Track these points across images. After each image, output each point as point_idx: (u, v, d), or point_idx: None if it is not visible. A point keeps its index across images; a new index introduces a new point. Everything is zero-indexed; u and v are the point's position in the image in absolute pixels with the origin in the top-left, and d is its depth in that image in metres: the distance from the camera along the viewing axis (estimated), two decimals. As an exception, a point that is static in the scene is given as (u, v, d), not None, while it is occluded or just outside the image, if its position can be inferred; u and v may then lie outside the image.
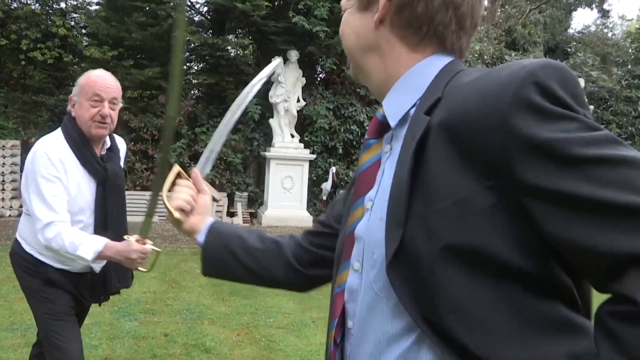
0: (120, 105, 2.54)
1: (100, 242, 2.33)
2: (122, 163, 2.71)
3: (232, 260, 1.22)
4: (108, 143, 2.60)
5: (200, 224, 1.26)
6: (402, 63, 0.94)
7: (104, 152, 2.57)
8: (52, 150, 2.39)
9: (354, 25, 0.98)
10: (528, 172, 0.71)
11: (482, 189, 0.75)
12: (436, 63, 0.92)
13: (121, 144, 2.74)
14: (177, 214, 1.24)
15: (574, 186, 0.69)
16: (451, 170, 0.77)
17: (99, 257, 2.33)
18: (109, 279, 2.59)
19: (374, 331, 0.87)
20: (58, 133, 2.48)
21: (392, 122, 0.92)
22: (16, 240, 2.59)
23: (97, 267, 2.50)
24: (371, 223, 0.89)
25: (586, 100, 0.77)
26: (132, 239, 2.30)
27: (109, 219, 2.54)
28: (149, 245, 2.33)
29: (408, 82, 0.93)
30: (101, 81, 2.44)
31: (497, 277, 0.75)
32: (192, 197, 1.27)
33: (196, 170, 1.33)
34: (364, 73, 1.01)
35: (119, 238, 2.41)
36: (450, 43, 0.93)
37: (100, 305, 2.81)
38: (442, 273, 0.76)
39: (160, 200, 1.32)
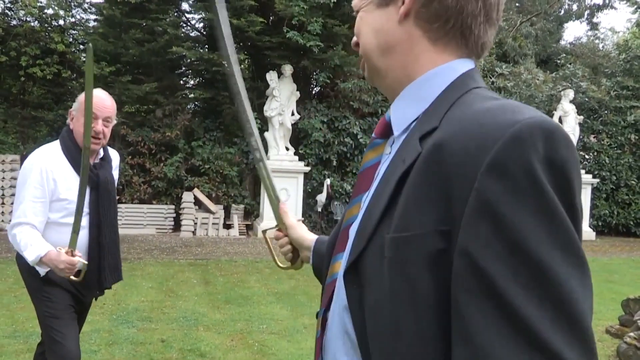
0: (114, 122, 2.81)
1: (44, 249, 2.53)
2: (115, 173, 2.97)
3: None
4: (101, 153, 2.86)
5: (306, 255, 1.45)
6: (421, 64, 0.91)
7: (97, 161, 2.83)
8: (45, 160, 2.66)
9: (373, 23, 0.95)
10: (470, 232, 0.70)
11: (437, 232, 0.74)
12: (450, 73, 0.89)
13: (114, 155, 3.00)
14: (285, 265, 1.54)
15: (496, 269, 0.68)
16: (419, 203, 0.77)
17: (41, 261, 2.54)
18: (103, 275, 2.83)
19: (341, 324, 0.92)
20: (55, 143, 2.76)
21: (396, 131, 0.93)
22: None
23: (42, 270, 2.69)
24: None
25: (577, 159, 0.74)
26: (62, 251, 2.51)
27: (102, 220, 2.79)
28: (77, 258, 2.53)
29: (417, 91, 0.91)
30: (98, 101, 2.65)
31: (421, 311, 0.76)
32: (287, 243, 1.49)
33: (284, 224, 1.49)
34: (379, 74, 0.97)
35: (111, 238, 2.74)
36: (474, 39, 0.90)
37: (96, 299, 3.02)
38: (383, 290, 0.80)
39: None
